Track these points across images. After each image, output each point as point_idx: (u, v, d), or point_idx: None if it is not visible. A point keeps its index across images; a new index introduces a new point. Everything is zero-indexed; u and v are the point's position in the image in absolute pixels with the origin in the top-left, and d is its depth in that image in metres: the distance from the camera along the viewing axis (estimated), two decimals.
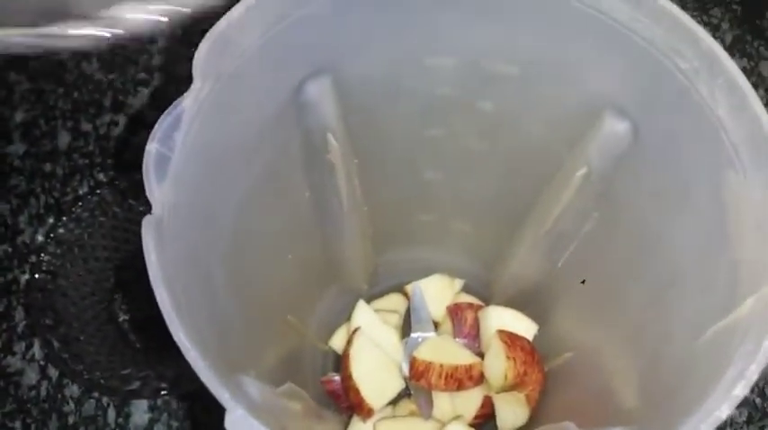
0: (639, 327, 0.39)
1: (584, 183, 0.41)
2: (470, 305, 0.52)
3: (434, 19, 0.38)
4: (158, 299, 0.26)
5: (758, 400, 0.60)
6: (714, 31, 0.71)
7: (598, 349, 0.45)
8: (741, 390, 0.26)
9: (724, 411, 0.25)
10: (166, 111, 0.30)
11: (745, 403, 0.60)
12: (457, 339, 0.51)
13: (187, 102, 0.30)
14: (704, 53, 0.31)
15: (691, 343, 0.32)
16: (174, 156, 0.30)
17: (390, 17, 0.37)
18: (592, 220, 0.43)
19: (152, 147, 0.29)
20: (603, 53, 0.36)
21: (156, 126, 0.30)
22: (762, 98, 0.67)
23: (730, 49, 0.70)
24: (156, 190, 0.29)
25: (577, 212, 0.43)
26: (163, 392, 0.55)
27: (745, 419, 0.60)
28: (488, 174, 0.46)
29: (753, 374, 0.26)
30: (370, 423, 0.47)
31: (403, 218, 0.52)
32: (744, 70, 0.60)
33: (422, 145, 0.45)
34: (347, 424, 0.47)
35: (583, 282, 0.47)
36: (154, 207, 0.28)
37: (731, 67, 0.31)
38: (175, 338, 0.25)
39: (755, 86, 0.67)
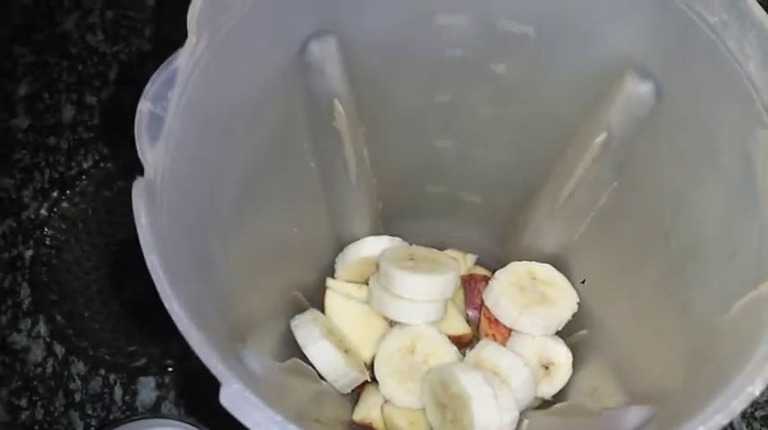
0: (659, 301, 0.38)
1: (603, 150, 0.39)
2: (485, 277, 0.51)
3: None
4: (149, 265, 0.24)
5: None
6: None
7: (616, 325, 0.43)
8: None
9: (757, 386, 0.24)
10: (159, 69, 0.28)
11: None
12: (468, 310, 0.49)
13: (181, 59, 0.29)
14: (733, 4, 0.29)
15: (716, 317, 0.31)
16: (168, 116, 0.28)
17: None
18: (610, 190, 0.41)
19: (144, 107, 0.27)
20: (625, 9, 0.34)
21: (149, 84, 0.28)
22: None
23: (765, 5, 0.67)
24: (148, 152, 0.27)
25: (595, 182, 0.41)
26: (170, 369, 0.54)
27: (766, 399, 0.58)
28: (501, 142, 0.44)
29: None
30: (379, 396, 0.45)
31: (412, 190, 0.50)
32: None
33: (432, 112, 0.43)
34: (353, 402, 0.46)
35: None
36: (146, 170, 0.27)
37: (763, 19, 0.28)
38: (167, 307, 0.23)
39: None
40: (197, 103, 0.30)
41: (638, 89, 0.35)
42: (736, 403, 0.23)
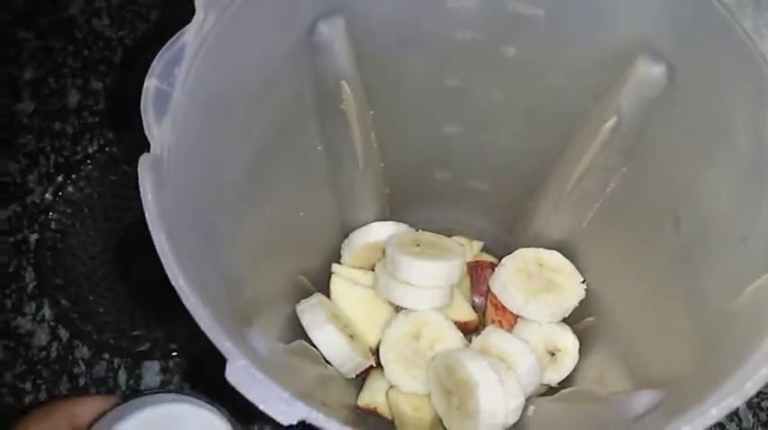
0: (669, 287, 0.37)
1: (613, 135, 0.38)
2: (491, 264, 0.50)
3: None
4: (155, 240, 0.24)
5: None
6: None
7: (624, 312, 0.43)
8: None
9: None
10: (166, 45, 0.28)
11: None
12: (474, 297, 0.49)
13: (189, 35, 0.28)
14: None
15: (728, 302, 0.30)
16: (175, 92, 0.28)
17: None
18: (619, 176, 0.40)
19: (150, 83, 0.27)
20: None
21: (155, 60, 0.28)
22: None
23: None
24: (154, 128, 0.27)
25: (604, 168, 0.40)
26: (174, 354, 0.54)
27: None
28: (509, 128, 0.44)
29: None
30: (384, 382, 0.45)
31: (420, 175, 0.49)
32: None
33: (440, 96, 0.43)
34: (358, 387, 0.46)
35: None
36: (152, 146, 0.27)
37: None
38: (173, 283, 0.23)
39: None
40: (204, 81, 0.30)
41: (650, 71, 0.35)
42: (750, 385, 0.23)
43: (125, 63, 0.69)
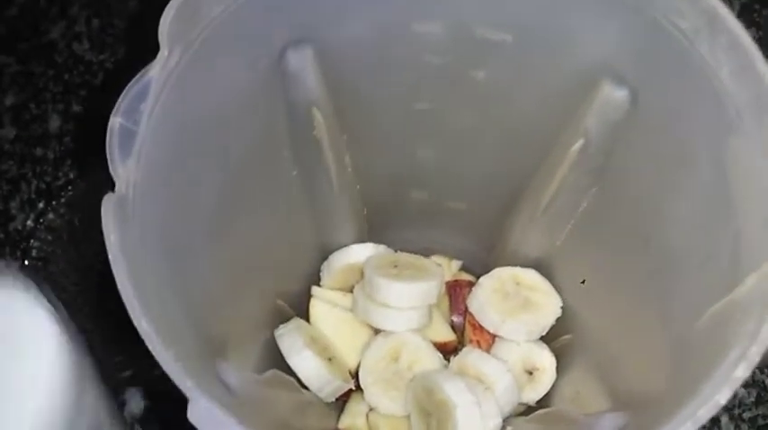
0: (641, 307, 0.38)
1: (582, 156, 0.39)
2: (470, 283, 0.50)
3: None
4: (118, 284, 0.24)
5: (767, 381, 0.58)
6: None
7: (599, 330, 0.43)
8: (742, 372, 0.24)
9: (724, 395, 0.24)
10: (131, 83, 0.28)
11: (753, 384, 0.58)
12: (453, 316, 0.49)
13: (153, 72, 0.29)
14: (704, 10, 0.29)
15: (691, 323, 0.31)
16: (141, 129, 0.28)
17: None
18: (590, 196, 0.41)
19: (115, 122, 0.28)
20: (599, 16, 0.34)
21: (121, 98, 0.28)
22: None
23: (739, 18, 0.67)
24: (119, 167, 0.27)
25: (575, 187, 0.41)
26: (158, 380, 0.53)
27: (753, 400, 0.58)
28: (482, 149, 0.44)
29: (754, 356, 0.24)
30: (364, 405, 0.45)
31: (397, 197, 0.50)
32: (752, 39, 0.57)
33: (413, 119, 0.43)
34: (338, 411, 0.46)
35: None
36: (117, 185, 0.27)
37: (734, 25, 0.28)
38: (136, 325, 0.23)
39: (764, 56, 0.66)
40: (171, 116, 0.30)
41: (613, 95, 0.35)
42: (703, 412, 0.23)
43: (105, 86, 0.69)
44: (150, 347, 0.23)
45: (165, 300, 0.27)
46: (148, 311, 0.24)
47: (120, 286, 0.24)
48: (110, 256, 0.24)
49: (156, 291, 0.26)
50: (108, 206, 0.25)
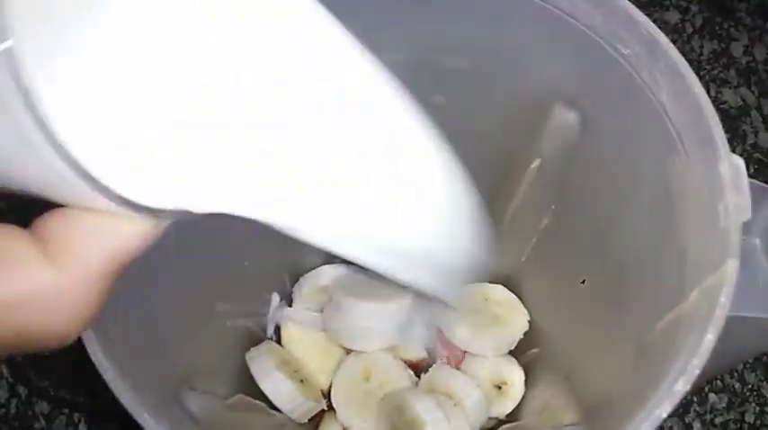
0: (600, 322, 0.39)
1: (539, 175, 0.40)
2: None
3: (379, 12, 0.37)
4: None
5: (738, 385, 0.59)
6: (684, 13, 0.70)
7: (565, 343, 0.44)
8: (682, 386, 0.25)
9: (665, 409, 0.24)
10: None
11: (724, 389, 0.59)
12: None
13: None
14: (644, 38, 0.30)
15: (644, 337, 0.32)
16: None
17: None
18: (550, 213, 0.42)
19: None
20: (549, 43, 0.35)
21: None
22: (733, 80, 0.66)
23: (700, 31, 0.69)
24: None
25: (535, 205, 0.42)
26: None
27: (725, 405, 0.59)
28: None
29: (694, 369, 0.25)
30: (337, 425, 0.46)
31: None
32: (714, 52, 0.59)
33: None
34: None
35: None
36: None
37: (671, 51, 0.30)
38: (92, 358, 0.24)
39: (726, 68, 0.67)
40: None
41: (565, 118, 0.36)
42: (646, 426, 0.24)
43: None
44: (105, 378, 0.24)
45: (127, 334, 0.28)
46: (105, 343, 0.24)
47: None
48: None
49: (117, 325, 0.27)
50: None
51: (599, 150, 0.36)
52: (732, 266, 0.26)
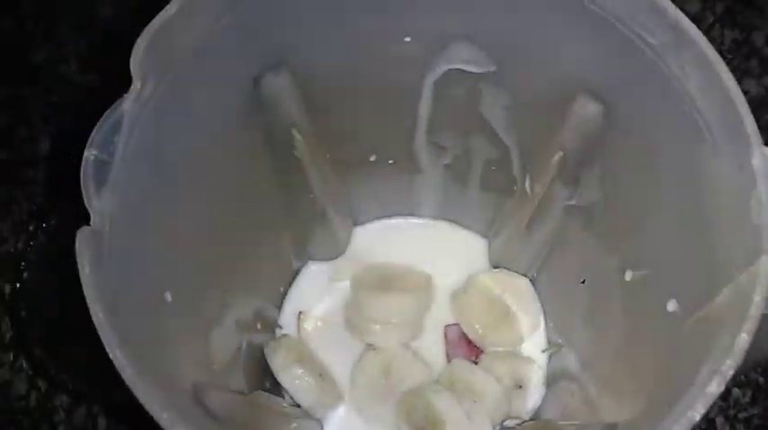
0: (622, 321, 0.38)
1: (561, 168, 0.39)
2: None
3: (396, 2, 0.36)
4: (93, 317, 0.24)
5: (762, 380, 0.58)
6: (705, 2, 0.68)
7: (586, 342, 0.43)
8: (716, 388, 0.24)
9: (698, 410, 0.24)
10: (104, 116, 0.29)
11: (748, 384, 0.58)
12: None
13: (127, 104, 0.29)
14: (672, 27, 0.29)
15: (670, 337, 0.31)
16: (116, 162, 0.28)
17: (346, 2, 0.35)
18: (571, 209, 0.41)
19: (89, 154, 0.28)
20: (573, 34, 0.34)
21: (95, 131, 0.28)
22: (754, 69, 0.65)
23: (722, 20, 0.68)
24: (94, 199, 0.27)
25: (556, 201, 0.41)
26: None
27: (749, 400, 0.58)
28: (465, 167, 0.45)
29: (728, 370, 0.24)
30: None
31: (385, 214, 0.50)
32: (735, 41, 0.58)
33: (396, 137, 0.43)
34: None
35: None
36: (92, 218, 0.27)
37: (700, 39, 0.29)
38: (111, 356, 0.24)
39: (747, 57, 0.66)
40: (147, 146, 0.30)
41: (589, 110, 0.35)
42: (678, 428, 0.24)
43: (95, 108, 0.69)
44: (123, 377, 0.23)
45: (144, 331, 0.27)
46: (123, 341, 0.24)
47: (93, 317, 0.24)
48: (84, 288, 0.25)
49: (135, 324, 0.26)
50: (82, 239, 0.26)
51: (623, 143, 0.35)
52: (766, 263, 0.25)
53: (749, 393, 0.58)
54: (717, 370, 0.24)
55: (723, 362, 0.25)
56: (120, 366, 0.24)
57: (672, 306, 0.32)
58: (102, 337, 0.24)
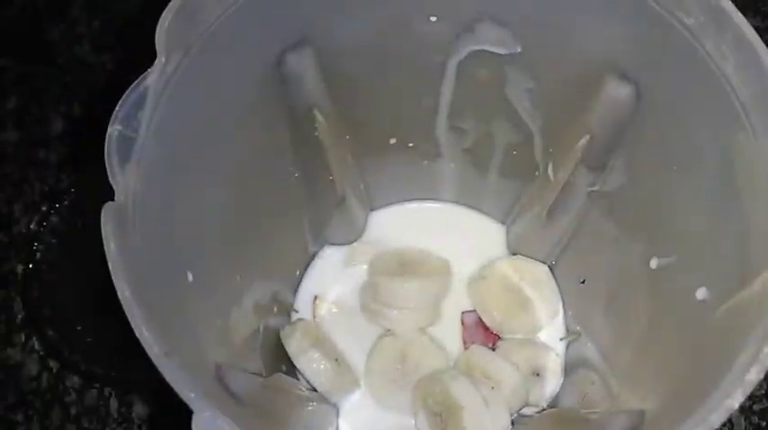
0: (648, 308, 0.37)
1: (587, 152, 0.38)
2: None
3: None
4: (119, 292, 0.24)
5: None
6: None
7: (606, 329, 0.43)
8: (755, 376, 0.23)
9: (736, 399, 0.23)
10: (129, 90, 0.28)
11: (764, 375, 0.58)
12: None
13: (151, 79, 0.28)
14: (710, 7, 0.29)
15: (700, 325, 0.30)
16: (140, 137, 0.28)
17: None
18: (597, 193, 0.40)
19: (113, 130, 0.27)
20: (603, 13, 0.33)
21: (118, 106, 0.28)
22: None
23: (744, 8, 0.66)
24: (118, 175, 0.27)
25: (580, 185, 0.40)
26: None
27: (764, 392, 0.57)
28: (487, 148, 0.44)
29: (766, 358, 0.24)
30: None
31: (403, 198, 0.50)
32: (757, 29, 0.57)
33: (417, 118, 0.43)
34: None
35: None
36: (117, 193, 0.27)
37: (739, 20, 0.28)
38: (137, 334, 0.23)
39: None
40: (170, 123, 0.30)
41: (618, 92, 0.35)
42: (715, 417, 0.23)
43: (108, 88, 0.69)
44: (151, 355, 0.23)
45: (167, 308, 0.27)
46: (149, 319, 0.24)
47: (120, 294, 0.24)
48: (109, 265, 0.24)
49: (158, 300, 0.26)
50: (107, 214, 0.25)
51: (654, 126, 0.34)
52: None
53: (765, 385, 0.58)
54: (756, 358, 0.24)
55: (761, 351, 0.24)
56: (147, 344, 0.23)
57: (702, 294, 0.31)
58: (128, 315, 0.24)
